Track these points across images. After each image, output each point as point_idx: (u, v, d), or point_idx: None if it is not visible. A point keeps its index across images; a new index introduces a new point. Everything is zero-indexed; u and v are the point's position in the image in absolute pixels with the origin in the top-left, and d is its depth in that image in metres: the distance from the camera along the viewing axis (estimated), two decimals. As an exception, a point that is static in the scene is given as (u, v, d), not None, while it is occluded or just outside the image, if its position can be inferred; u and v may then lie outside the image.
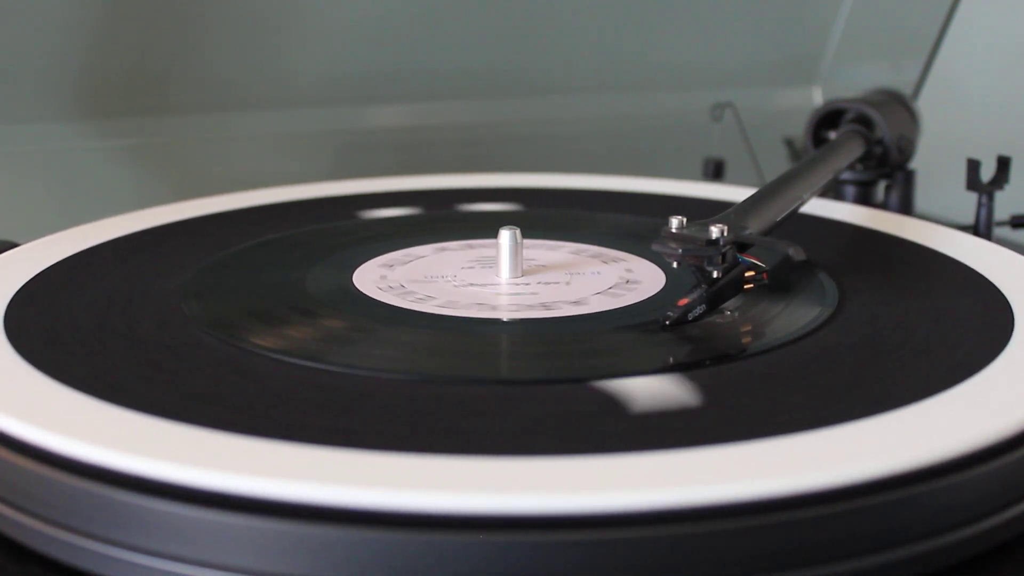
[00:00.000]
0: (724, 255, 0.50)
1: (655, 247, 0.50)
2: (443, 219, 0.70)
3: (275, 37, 0.90)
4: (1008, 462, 0.39)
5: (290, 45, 0.91)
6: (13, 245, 0.62)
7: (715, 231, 0.49)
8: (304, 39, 0.91)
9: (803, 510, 0.35)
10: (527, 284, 0.57)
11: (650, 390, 0.43)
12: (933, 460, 0.37)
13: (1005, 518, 0.39)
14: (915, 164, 0.79)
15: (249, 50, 0.89)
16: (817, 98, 1.10)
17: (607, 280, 0.57)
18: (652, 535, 0.34)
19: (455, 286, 0.56)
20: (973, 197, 0.70)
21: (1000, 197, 0.70)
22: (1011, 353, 0.46)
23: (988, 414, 0.40)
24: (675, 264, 0.51)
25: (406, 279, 0.57)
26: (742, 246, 0.51)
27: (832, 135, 0.77)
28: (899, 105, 0.79)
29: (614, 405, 0.42)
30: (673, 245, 0.49)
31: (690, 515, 0.35)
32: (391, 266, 0.60)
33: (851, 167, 0.75)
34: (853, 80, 1.05)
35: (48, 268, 0.58)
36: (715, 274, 0.50)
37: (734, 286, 0.51)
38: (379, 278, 0.57)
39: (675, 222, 0.50)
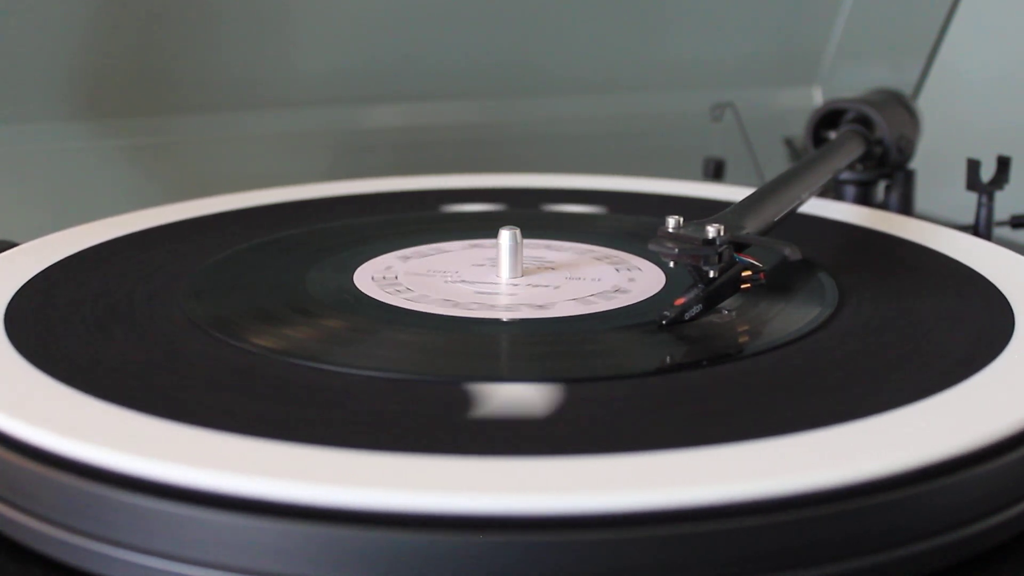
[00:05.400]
0: (721, 255, 0.50)
1: (651, 247, 0.50)
2: (443, 219, 0.70)
3: (275, 37, 0.90)
4: (1008, 462, 0.39)
5: (289, 44, 0.91)
6: (13, 245, 0.62)
7: (711, 231, 0.49)
8: (303, 38, 0.91)
9: (802, 510, 0.35)
10: (527, 284, 0.57)
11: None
12: (933, 460, 0.37)
13: (1005, 518, 0.39)
14: (915, 164, 0.79)
15: (249, 50, 0.89)
16: (817, 98, 1.10)
17: (607, 280, 0.57)
18: (650, 535, 0.34)
19: (455, 286, 0.56)
20: (973, 197, 0.70)
21: (1000, 197, 0.70)
22: (1011, 353, 0.46)
23: (988, 414, 0.40)
24: (672, 264, 0.51)
25: (406, 279, 0.57)
26: (739, 246, 0.51)
27: (832, 135, 0.77)
28: (899, 105, 0.79)
29: (611, 405, 0.42)
30: (669, 245, 0.50)
31: (688, 516, 0.35)
32: (391, 266, 0.59)
33: (851, 167, 0.75)
34: (853, 80, 1.05)
35: (48, 268, 0.58)
36: (712, 274, 0.50)
37: (731, 286, 0.51)
38: (379, 278, 0.57)
39: (672, 222, 0.50)
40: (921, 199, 0.79)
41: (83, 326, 0.50)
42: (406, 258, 0.61)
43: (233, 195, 0.74)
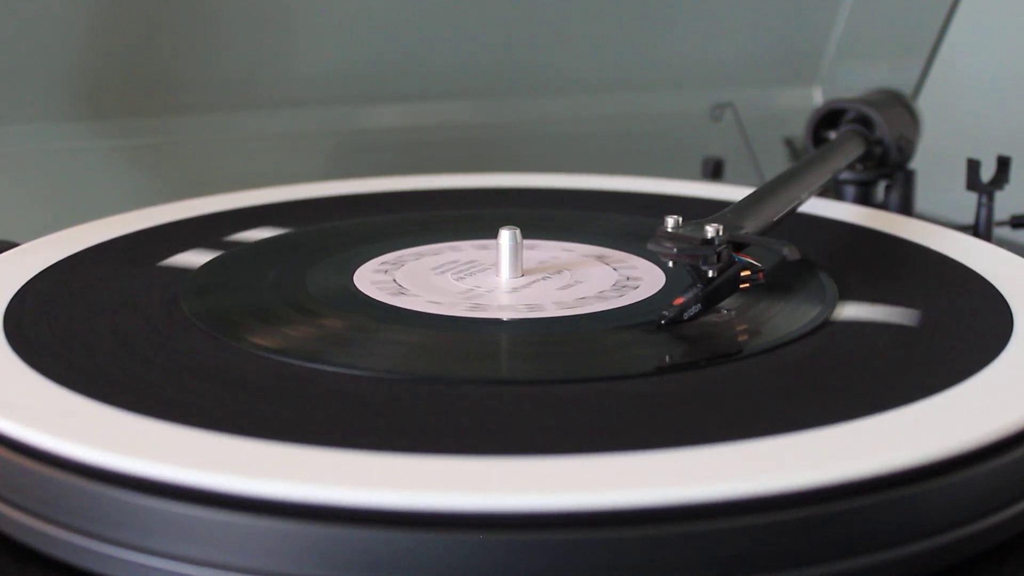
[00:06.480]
0: (719, 254, 0.50)
1: (650, 247, 0.50)
2: (443, 219, 0.70)
3: (275, 37, 0.90)
4: (1008, 462, 0.39)
5: (289, 44, 0.91)
6: (13, 245, 0.62)
7: (710, 230, 0.49)
8: (303, 38, 0.91)
9: (802, 509, 0.35)
10: (527, 284, 0.57)
11: None
12: (933, 460, 0.37)
13: (1005, 518, 0.39)
14: (915, 164, 0.79)
15: (248, 50, 0.89)
16: (817, 98, 1.10)
17: (606, 280, 0.57)
18: (649, 535, 0.34)
19: (455, 286, 0.56)
20: (973, 197, 0.70)
21: (1000, 197, 0.70)
22: (1011, 353, 0.46)
23: (988, 414, 0.40)
24: (670, 264, 0.51)
25: (406, 279, 0.57)
26: (738, 245, 0.51)
27: (832, 135, 0.76)
28: (899, 105, 0.79)
29: (610, 405, 0.42)
30: (668, 244, 0.50)
31: (686, 514, 0.35)
32: (391, 266, 0.60)
33: (851, 167, 0.75)
34: (853, 80, 1.05)
35: (48, 268, 0.58)
36: (710, 273, 0.50)
37: (730, 285, 0.51)
38: (379, 278, 0.57)
39: (671, 221, 0.50)
40: (921, 199, 0.79)
41: (82, 326, 0.50)
42: (406, 258, 0.61)
43: (232, 194, 0.74)
